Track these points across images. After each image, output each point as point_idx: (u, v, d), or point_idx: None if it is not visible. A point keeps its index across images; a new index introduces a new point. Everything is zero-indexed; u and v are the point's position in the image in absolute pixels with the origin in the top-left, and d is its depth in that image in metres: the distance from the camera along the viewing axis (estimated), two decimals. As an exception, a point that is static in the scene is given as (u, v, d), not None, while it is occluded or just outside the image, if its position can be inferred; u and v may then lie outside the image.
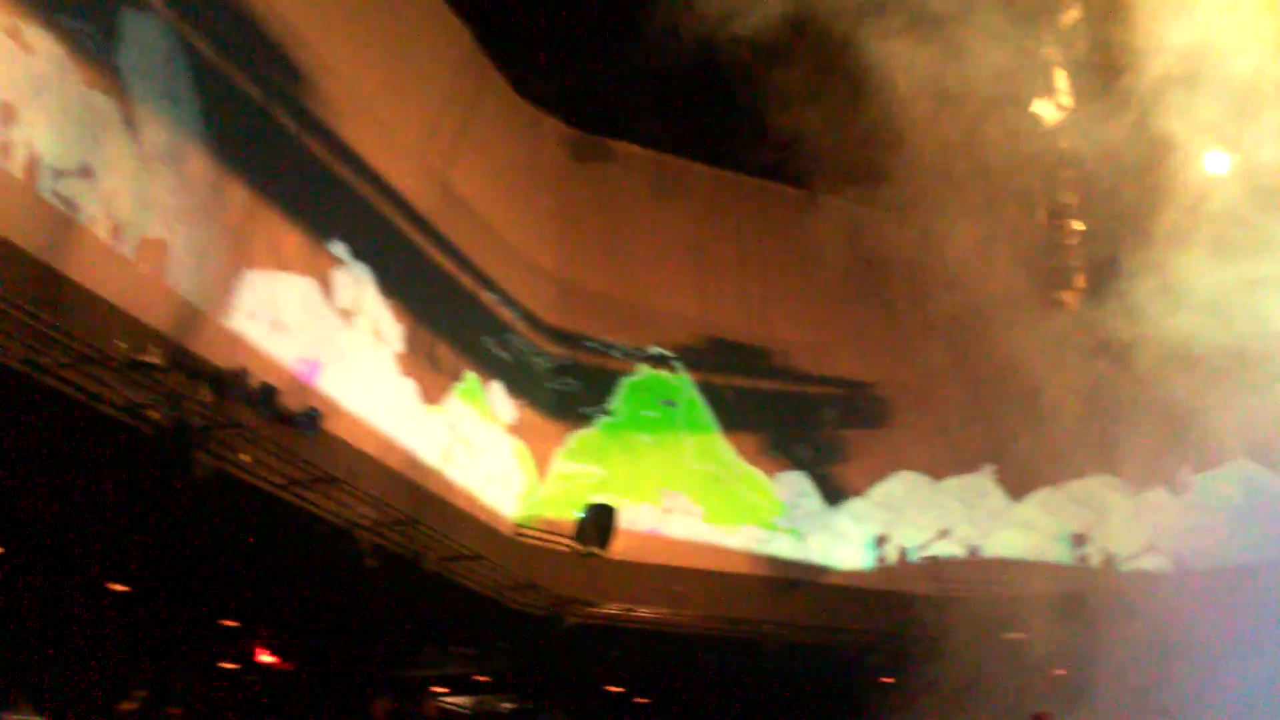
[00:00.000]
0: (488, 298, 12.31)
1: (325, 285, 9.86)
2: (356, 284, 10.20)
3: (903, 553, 13.75)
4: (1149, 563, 13.81)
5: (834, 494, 13.85)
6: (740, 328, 14.05)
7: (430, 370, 11.20)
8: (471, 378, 11.89)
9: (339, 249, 10.03)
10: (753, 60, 11.31)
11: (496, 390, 12.25)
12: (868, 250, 12.38)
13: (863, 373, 13.86)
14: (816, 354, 14.11)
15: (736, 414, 13.72)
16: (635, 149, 13.86)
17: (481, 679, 13.36)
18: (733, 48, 11.11)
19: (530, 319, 12.91)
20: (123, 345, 7.66)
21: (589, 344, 13.37)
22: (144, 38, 8.06)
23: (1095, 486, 14.10)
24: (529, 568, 11.92)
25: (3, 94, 7.05)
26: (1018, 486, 14.09)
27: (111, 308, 7.82)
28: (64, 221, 7.53)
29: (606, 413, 13.28)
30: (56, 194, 7.47)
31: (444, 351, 11.50)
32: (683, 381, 13.63)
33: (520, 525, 12.37)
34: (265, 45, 9.35)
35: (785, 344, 14.19)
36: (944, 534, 13.86)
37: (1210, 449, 13.60)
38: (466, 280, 11.97)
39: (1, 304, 6.74)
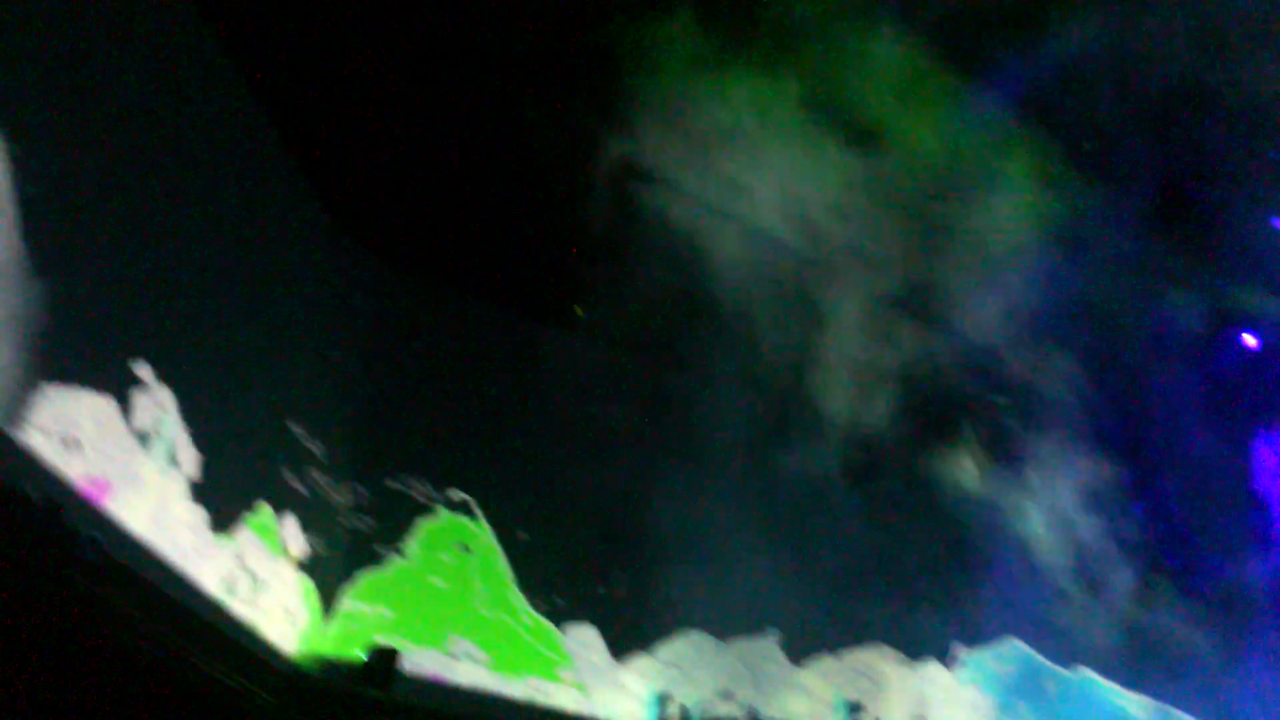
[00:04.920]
0: (291, 428, 12.19)
1: (124, 404, 9.64)
2: (157, 407, 10.00)
3: (684, 711, 13.83)
4: (919, 734, 14.27)
5: (621, 649, 13.91)
6: (542, 477, 14.14)
7: (222, 498, 10.95)
8: (265, 509, 11.67)
9: (142, 368, 9.83)
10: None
11: (290, 524, 12.04)
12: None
13: (653, 526, 13.90)
14: (608, 506, 14.22)
15: (531, 564, 13.72)
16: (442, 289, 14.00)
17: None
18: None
19: (332, 453, 12.76)
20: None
21: (390, 484, 13.28)
22: None
23: (872, 657, 14.54)
24: (306, 708, 11.62)
25: None
26: (799, 652, 14.45)
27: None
28: None
29: (401, 554, 13.15)
30: None
31: (239, 480, 11.30)
32: (481, 528, 13.62)
33: (300, 664, 12.07)
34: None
35: (582, 496, 14.30)
36: (726, 695, 14.04)
37: (983, 625, 14.28)
38: (270, 408, 11.85)
39: None
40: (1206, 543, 13.15)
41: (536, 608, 13.62)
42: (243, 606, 11.23)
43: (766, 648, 14.41)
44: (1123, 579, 12.88)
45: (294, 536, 12.11)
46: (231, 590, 11.08)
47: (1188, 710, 14.13)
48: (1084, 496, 13.05)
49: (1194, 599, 12.99)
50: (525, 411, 14.17)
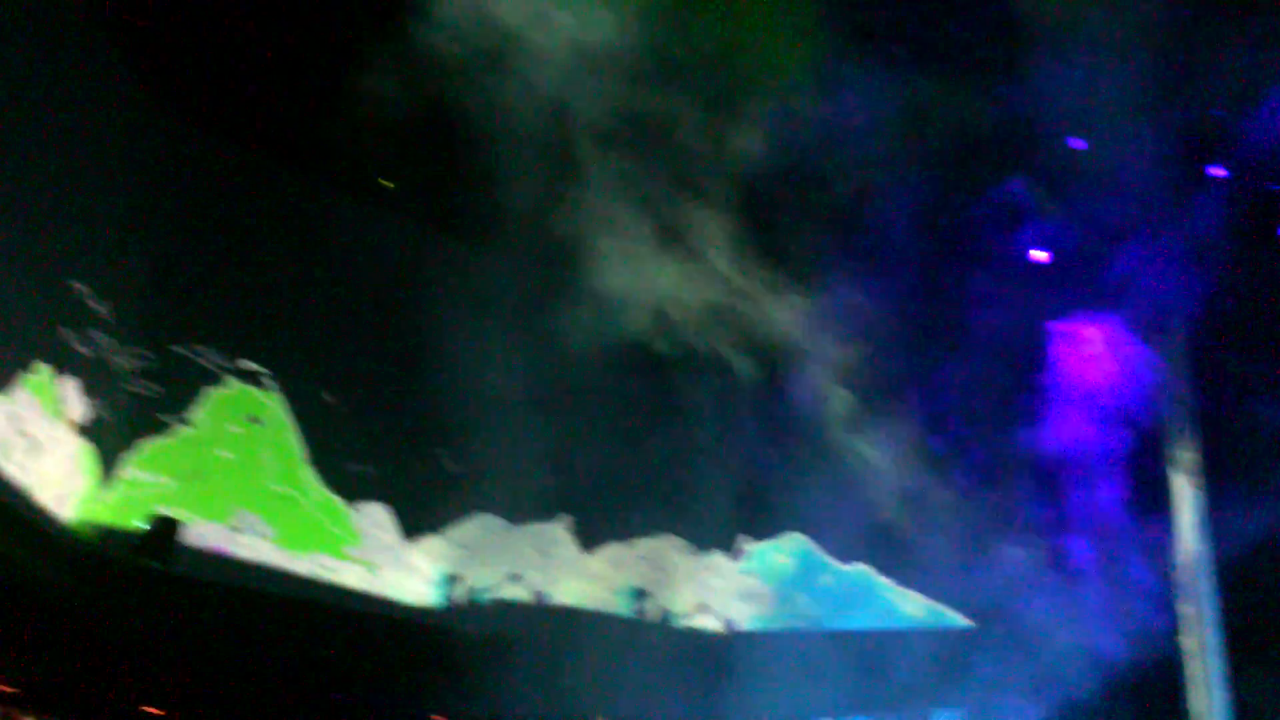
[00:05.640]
0: (75, 287, 11.53)
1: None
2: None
3: (472, 593, 13.88)
4: (700, 621, 14.68)
5: (411, 529, 13.81)
6: (337, 353, 13.80)
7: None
8: (44, 370, 11.07)
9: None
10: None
11: (70, 386, 11.45)
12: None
13: (446, 405, 13.73)
14: (403, 385, 14.01)
15: (324, 439, 13.43)
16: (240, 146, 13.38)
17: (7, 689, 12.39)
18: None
19: (118, 316, 12.13)
20: None
21: (178, 350, 12.73)
22: None
23: (661, 546, 14.82)
24: (81, 576, 11.20)
25: None
26: (590, 539, 14.62)
27: None
28: None
29: (187, 424, 12.68)
30: None
31: (16, 338, 10.67)
32: (272, 400, 13.23)
33: (76, 531, 11.60)
34: None
35: (377, 373, 14.05)
36: (515, 578, 14.13)
37: (768, 520, 14.70)
38: (51, 265, 11.17)
39: None
40: (981, 426, 13.80)
41: (327, 485, 13.38)
42: (16, 469, 10.69)
43: (557, 533, 14.52)
44: (899, 464, 13.38)
45: (74, 400, 11.54)
46: (5, 452, 10.54)
47: (945, 600, 14.92)
48: (865, 380, 13.44)
49: (964, 486, 13.65)
50: (322, 284, 13.76)
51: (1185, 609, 13.42)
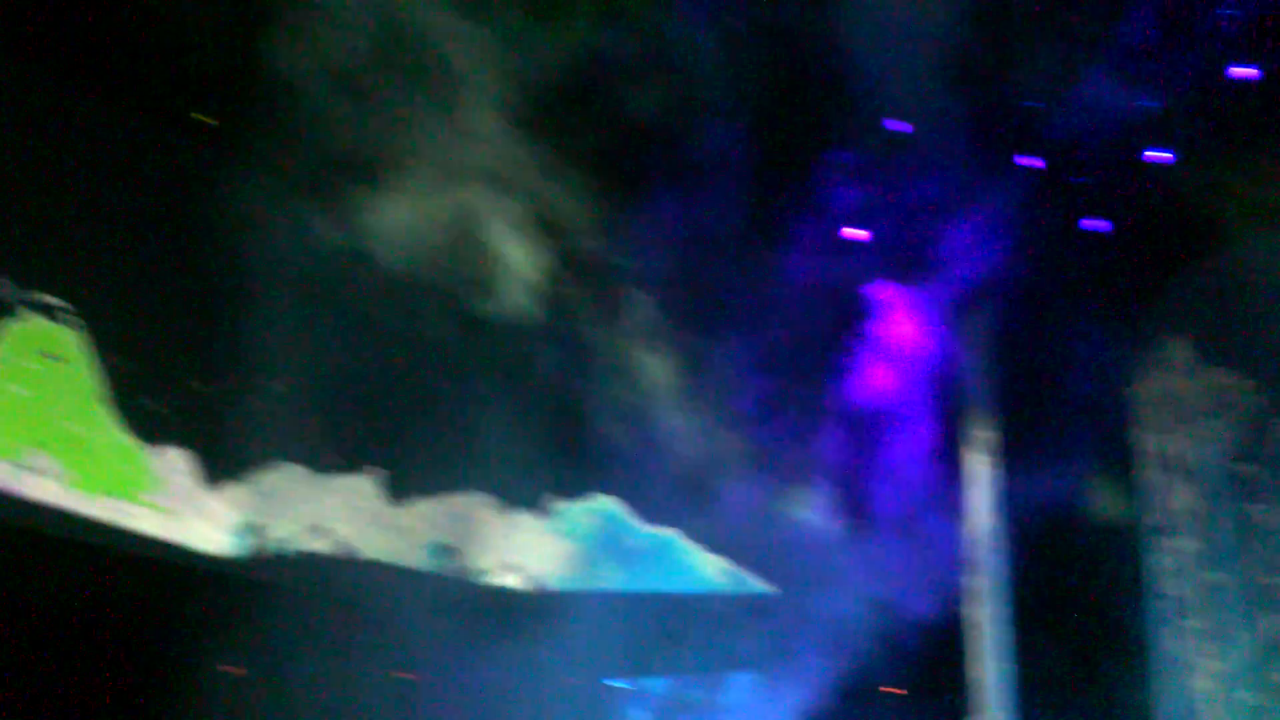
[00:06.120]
0: None
1: None
2: None
3: (274, 543, 13.63)
4: (505, 579, 14.73)
5: (212, 476, 13.47)
6: (143, 285, 13.34)
7: None
8: None
9: None
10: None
11: None
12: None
13: (250, 352, 13.37)
14: (208, 322, 13.62)
15: (123, 377, 12.97)
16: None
17: None
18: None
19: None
20: None
21: (-30, 279, 12.15)
22: None
23: (469, 503, 14.80)
24: None
25: None
26: (398, 493, 14.49)
27: None
28: None
29: (-22, 357, 12.11)
30: None
31: None
32: (72, 336, 12.71)
33: None
34: None
35: (184, 310, 13.63)
36: (319, 531, 13.92)
37: (578, 479, 14.80)
38: None
39: None
40: (787, 383, 14.10)
41: (124, 425, 12.94)
42: None
43: (365, 486, 14.36)
44: (704, 416, 13.58)
45: None
46: None
47: (746, 562, 15.25)
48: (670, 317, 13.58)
49: (767, 445, 13.95)
50: (128, 214, 13.22)
51: (973, 582, 13.94)
